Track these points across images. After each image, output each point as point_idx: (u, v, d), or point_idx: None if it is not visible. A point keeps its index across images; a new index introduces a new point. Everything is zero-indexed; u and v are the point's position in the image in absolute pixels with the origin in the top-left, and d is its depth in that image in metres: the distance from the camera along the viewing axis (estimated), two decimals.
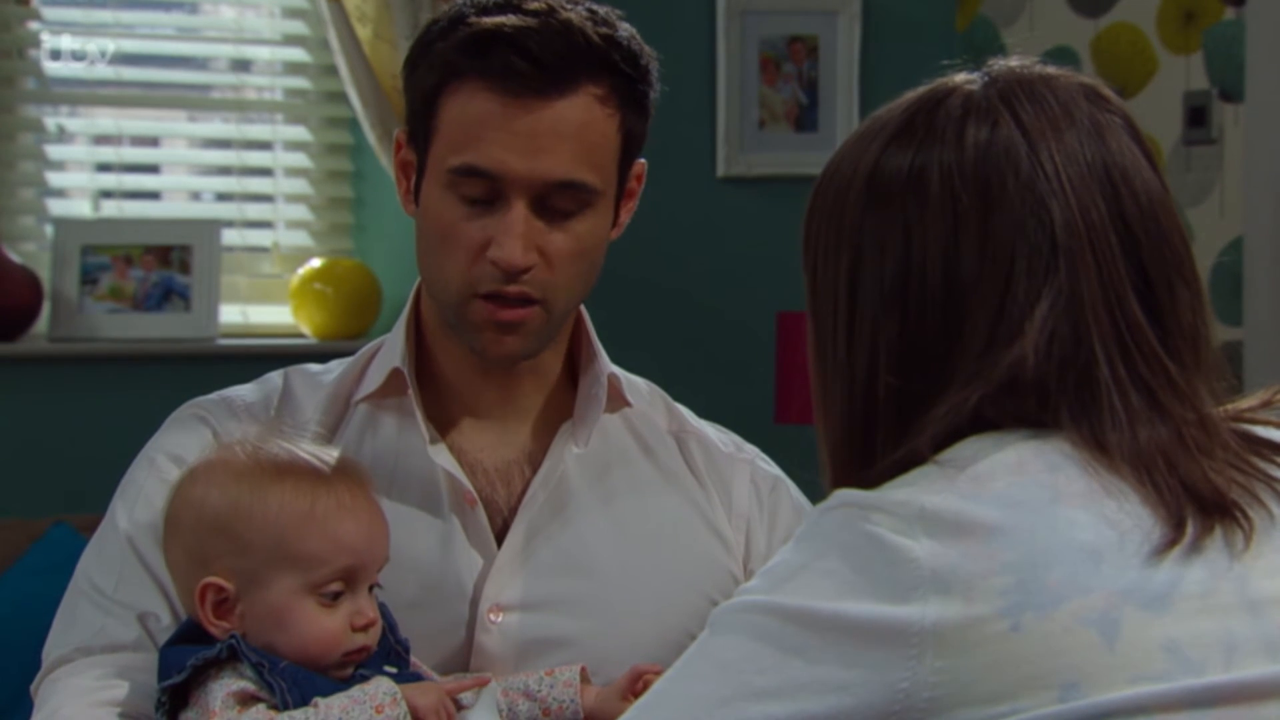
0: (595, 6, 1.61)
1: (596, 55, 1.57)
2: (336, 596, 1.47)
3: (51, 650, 1.59)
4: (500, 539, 1.64)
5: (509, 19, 1.55)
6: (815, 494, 1.28)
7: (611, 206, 1.64)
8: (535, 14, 1.56)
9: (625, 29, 1.61)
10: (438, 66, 1.58)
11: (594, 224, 1.61)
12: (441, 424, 1.66)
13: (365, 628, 1.48)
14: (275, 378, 1.71)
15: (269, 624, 1.46)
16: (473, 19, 1.57)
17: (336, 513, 1.48)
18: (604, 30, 1.58)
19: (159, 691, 1.47)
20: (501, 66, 1.54)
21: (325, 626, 1.46)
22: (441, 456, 1.63)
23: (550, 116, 1.55)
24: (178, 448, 1.64)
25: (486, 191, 1.57)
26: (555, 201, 1.58)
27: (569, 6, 1.58)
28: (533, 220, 1.57)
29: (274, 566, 1.46)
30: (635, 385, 1.76)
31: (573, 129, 1.56)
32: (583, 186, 1.58)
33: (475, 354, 1.63)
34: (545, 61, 1.54)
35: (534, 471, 1.66)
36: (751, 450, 1.80)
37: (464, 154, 1.56)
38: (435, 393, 1.67)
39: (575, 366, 1.72)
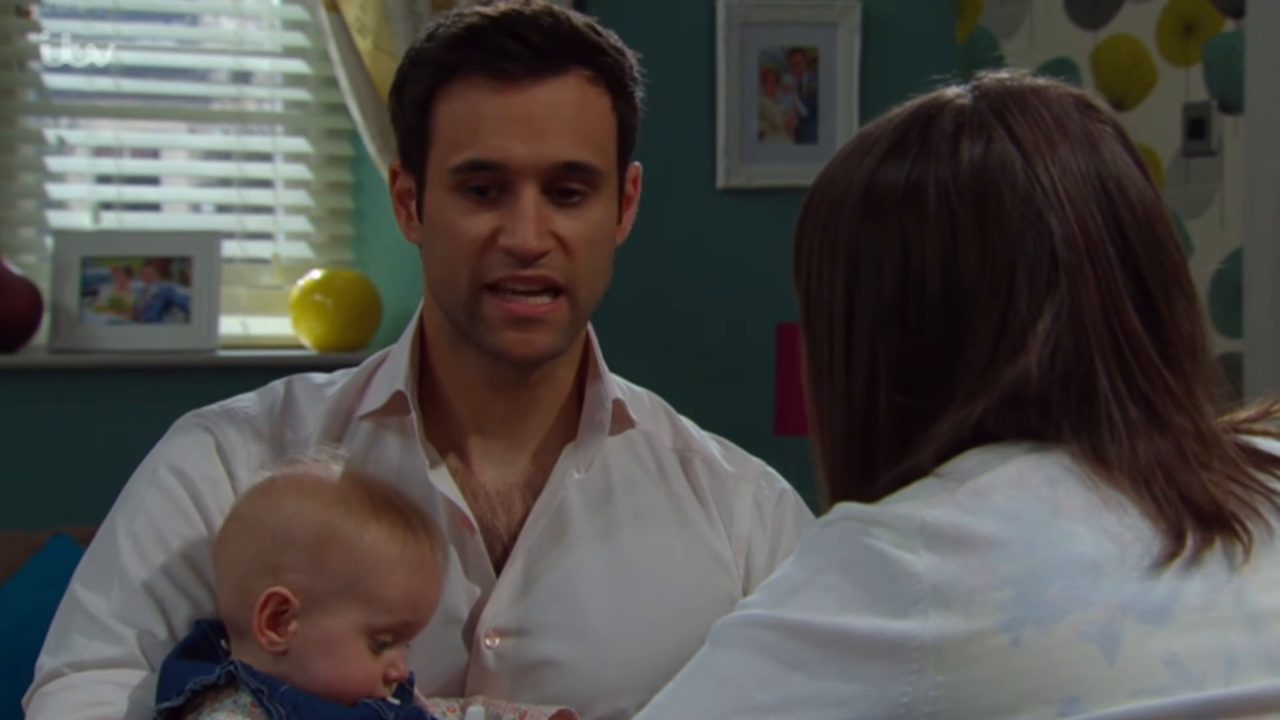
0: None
1: (581, 38, 1.59)
2: (383, 646, 1.48)
3: (44, 663, 1.58)
4: (499, 564, 1.63)
5: (490, 9, 1.59)
6: (814, 510, 1.28)
7: (615, 198, 1.64)
8: (515, 5, 1.59)
9: (601, 28, 1.64)
10: (428, 72, 1.59)
11: (602, 212, 1.61)
12: (444, 446, 1.65)
13: (395, 681, 1.49)
14: (278, 387, 1.70)
15: (317, 649, 1.46)
16: (454, 19, 1.60)
17: (418, 567, 1.49)
18: (581, 19, 1.61)
19: (155, 713, 1.47)
20: (494, 51, 1.56)
21: (367, 670, 1.47)
22: (442, 482, 1.61)
23: (545, 98, 1.57)
24: (180, 460, 1.63)
25: (492, 184, 1.57)
26: (562, 185, 1.58)
27: (540, 2, 1.61)
28: (543, 205, 1.57)
29: (345, 598, 1.46)
30: (638, 399, 1.75)
31: (569, 110, 1.57)
32: (586, 167, 1.58)
33: (496, 358, 1.60)
34: (535, 42, 1.56)
35: (535, 497, 1.65)
36: (757, 466, 1.78)
37: (465, 150, 1.57)
38: (439, 413, 1.66)
39: (584, 383, 1.70)
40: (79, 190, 3.80)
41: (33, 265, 3.69)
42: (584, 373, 1.70)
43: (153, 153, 3.97)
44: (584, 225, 1.59)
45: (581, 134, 1.58)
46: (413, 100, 1.61)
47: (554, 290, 1.58)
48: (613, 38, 1.63)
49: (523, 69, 1.56)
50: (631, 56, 1.64)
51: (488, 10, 1.59)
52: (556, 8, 1.60)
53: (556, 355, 1.63)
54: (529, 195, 1.56)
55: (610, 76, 1.61)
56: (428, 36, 1.62)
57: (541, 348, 1.60)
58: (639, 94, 1.65)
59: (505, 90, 1.56)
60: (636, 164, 1.68)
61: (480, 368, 1.64)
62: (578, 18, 1.61)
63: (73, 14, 3.74)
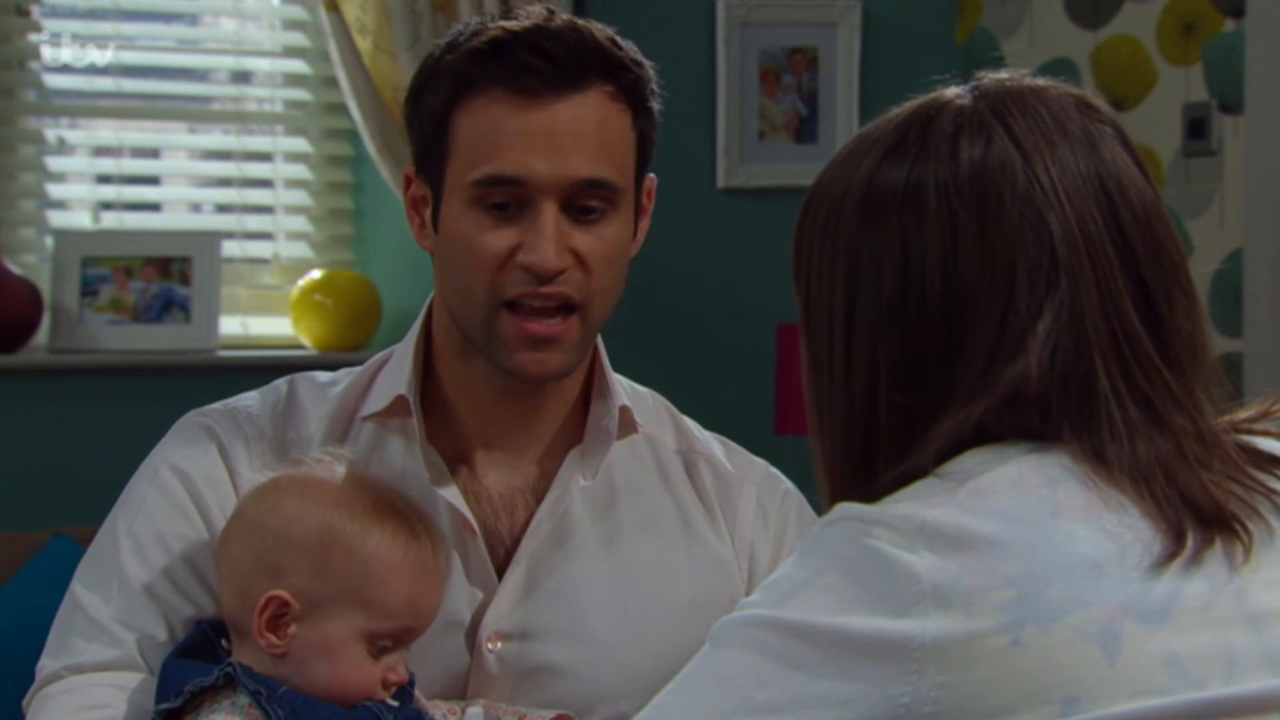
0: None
1: (603, 53, 1.58)
2: (383, 650, 1.48)
3: (44, 665, 1.58)
4: (501, 568, 1.63)
5: (513, 24, 1.57)
6: (817, 510, 1.28)
7: (632, 213, 1.63)
8: (538, 19, 1.58)
9: (622, 40, 1.63)
10: (447, 84, 1.58)
11: (619, 229, 1.60)
12: (447, 449, 1.64)
13: (394, 685, 1.49)
14: (281, 385, 1.70)
15: (316, 652, 1.46)
16: (478, 30, 1.58)
17: (420, 572, 1.49)
18: (604, 33, 1.60)
19: (154, 714, 1.47)
20: (517, 67, 1.55)
21: (366, 674, 1.47)
22: (445, 486, 1.61)
23: (567, 115, 1.55)
24: (182, 460, 1.63)
25: (512, 200, 1.56)
26: (582, 202, 1.57)
27: (563, 15, 1.60)
28: (562, 222, 1.56)
29: (345, 602, 1.46)
30: (640, 398, 1.74)
31: (590, 127, 1.56)
32: (607, 184, 1.57)
33: (511, 376, 1.60)
34: (558, 57, 1.55)
35: (538, 501, 1.65)
36: (760, 467, 1.77)
37: (486, 164, 1.56)
38: (442, 416, 1.65)
39: (590, 388, 1.70)
40: (79, 190, 3.80)
41: (33, 265, 3.69)
42: (591, 378, 1.70)
43: (153, 153, 3.97)
44: (601, 242, 1.58)
45: (602, 151, 1.57)
46: (431, 111, 1.59)
47: (567, 308, 1.58)
48: (633, 51, 1.62)
49: (544, 85, 1.55)
50: (651, 69, 1.63)
51: (510, 24, 1.57)
52: (580, 21, 1.59)
53: (569, 373, 1.63)
54: (549, 212, 1.55)
55: (631, 92, 1.60)
56: (448, 46, 1.60)
57: (554, 367, 1.59)
58: (658, 106, 1.64)
59: (527, 106, 1.55)
60: (652, 176, 1.67)
61: (488, 374, 1.63)
62: (600, 31, 1.59)
63: (73, 14, 3.74)
